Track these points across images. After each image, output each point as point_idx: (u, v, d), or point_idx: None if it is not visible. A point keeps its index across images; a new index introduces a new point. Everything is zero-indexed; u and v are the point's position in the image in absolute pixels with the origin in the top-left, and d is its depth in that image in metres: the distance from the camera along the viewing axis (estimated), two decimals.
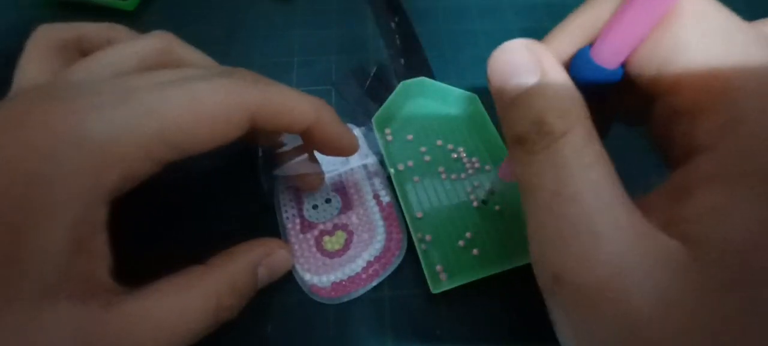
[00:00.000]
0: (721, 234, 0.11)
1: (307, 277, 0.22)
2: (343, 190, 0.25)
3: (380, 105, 0.26)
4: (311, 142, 0.21)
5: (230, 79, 0.18)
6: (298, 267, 0.22)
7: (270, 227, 0.24)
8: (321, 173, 0.24)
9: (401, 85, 0.26)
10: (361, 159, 0.26)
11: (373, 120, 0.26)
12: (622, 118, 0.19)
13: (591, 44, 0.15)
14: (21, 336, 0.14)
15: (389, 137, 0.27)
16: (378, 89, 0.29)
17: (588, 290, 0.12)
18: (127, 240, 0.17)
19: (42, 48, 0.20)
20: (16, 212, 0.14)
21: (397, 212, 0.24)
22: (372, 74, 0.29)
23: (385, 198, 0.24)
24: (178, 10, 0.34)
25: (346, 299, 0.22)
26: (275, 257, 0.21)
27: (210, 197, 0.25)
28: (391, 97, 0.26)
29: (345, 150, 0.22)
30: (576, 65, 0.15)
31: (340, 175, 0.25)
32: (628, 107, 0.18)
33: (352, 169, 0.25)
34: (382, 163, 0.26)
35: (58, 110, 0.15)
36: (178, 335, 0.16)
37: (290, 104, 0.19)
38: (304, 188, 0.24)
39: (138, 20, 0.33)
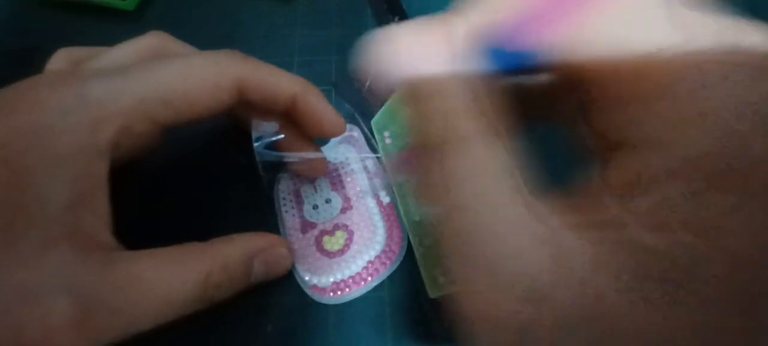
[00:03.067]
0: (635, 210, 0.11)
1: (307, 277, 0.22)
2: (343, 190, 0.25)
3: (380, 106, 0.26)
4: (297, 119, 0.22)
5: (219, 53, 0.20)
6: (298, 267, 0.22)
7: (270, 227, 0.24)
8: (324, 158, 0.24)
9: (401, 88, 0.26)
10: (361, 159, 0.26)
11: (372, 123, 0.26)
12: (540, 118, 0.17)
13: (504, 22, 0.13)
14: (20, 281, 0.15)
15: (388, 140, 0.27)
16: (378, 90, 0.29)
17: (488, 293, 0.12)
18: (127, 238, 0.18)
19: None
20: (21, 159, 0.16)
21: (397, 212, 0.24)
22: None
23: (385, 198, 0.24)
24: (178, 10, 0.34)
25: (346, 299, 0.22)
26: (273, 253, 0.21)
27: (210, 197, 0.25)
28: (389, 99, 0.26)
29: (330, 127, 0.22)
30: (489, 49, 0.13)
31: (340, 175, 0.25)
32: (545, 105, 0.16)
33: (352, 170, 0.25)
34: (382, 164, 0.26)
35: (63, 78, 0.18)
36: (167, 301, 0.17)
37: (276, 76, 0.21)
38: (308, 173, 0.25)
39: (138, 20, 0.33)
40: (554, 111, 0.15)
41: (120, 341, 0.16)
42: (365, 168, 0.26)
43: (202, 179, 0.25)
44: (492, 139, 0.12)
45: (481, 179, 0.12)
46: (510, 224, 0.11)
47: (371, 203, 0.24)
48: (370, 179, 0.25)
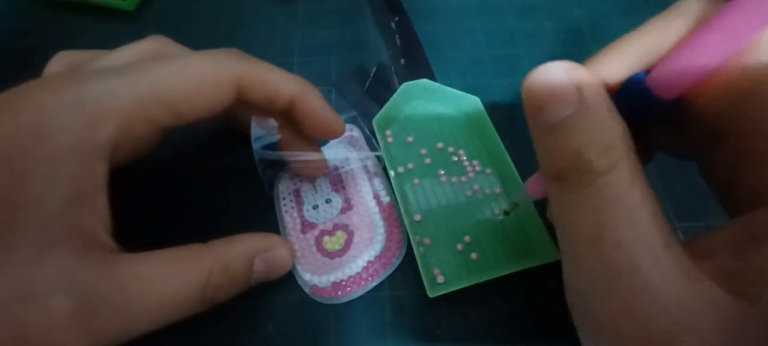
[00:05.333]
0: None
1: (308, 277, 0.22)
2: (343, 190, 0.25)
3: (381, 105, 0.26)
4: (297, 120, 0.22)
5: (219, 52, 0.20)
6: (298, 267, 0.22)
7: (270, 227, 0.24)
8: (324, 159, 0.24)
9: (402, 87, 0.26)
10: (361, 159, 0.26)
11: (373, 122, 0.26)
12: (668, 150, 0.17)
13: (647, 71, 0.13)
14: (20, 280, 0.15)
15: (390, 139, 0.27)
16: (378, 90, 0.29)
17: (636, 344, 0.11)
18: (127, 239, 0.18)
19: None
20: (20, 158, 0.16)
21: (397, 212, 0.24)
22: (372, 74, 0.29)
23: (385, 198, 0.24)
24: (178, 11, 0.34)
25: (346, 299, 0.22)
26: (274, 254, 0.21)
27: (210, 197, 0.25)
28: (392, 98, 0.26)
29: (330, 128, 0.22)
30: (627, 92, 0.14)
31: (340, 175, 0.25)
32: (678, 142, 0.16)
33: (352, 170, 0.25)
34: (382, 164, 0.26)
35: (61, 79, 0.18)
36: (167, 302, 0.17)
37: (275, 75, 0.21)
38: (308, 173, 0.25)
39: (138, 20, 0.33)
40: (691, 150, 0.15)
41: (120, 342, 0.16)
42: (365, 168, 0.26)
43: (202, 180, 0.25)
44: (633, 174, 0.12)
45: (627, 212, 0.12)
46: (653, 261, 0.11)
47: (371, 203, 0.24)
48: (370, 178, 0.25)
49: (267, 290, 0.21)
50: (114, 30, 0.32)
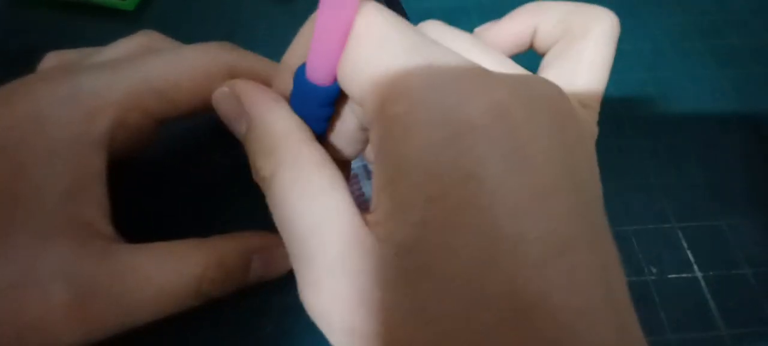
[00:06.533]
0: (392, 237, 0.12)
1: None
2: None
3: None
4: None
5: (209, 44, 0.20)
6: None
7: (270, 227, 0.23)
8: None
9: None
10: (361, 159, 0.26)
11: None
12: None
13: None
14: (18, 267, 0.15)
15: None
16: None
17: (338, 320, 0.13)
18: (126, 235, 0.18)
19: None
20: (16, 150, 0.16)
21: None
22: None
23: None
24: (178, 10, 0.34)
25: None
26: (273, 252, 0.21)
27: (209, 197, 0.25)
28: None
29: None
30: (295, 85, 0.15)
31: None
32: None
33: (352, 171, 0.25)
34: None
35: (56, 73, 0.18)
36: (164, 293, 0.17)
37: (266, 65, 0.21)
38: None
39: (138, 20, 0.33)
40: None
41: (117, 333, 0.16)
42: (365, 169, 0.26)
43: (202, 178, 0.25)
44: (299, 169, 0.14)
45: (298, 205, 0.13)
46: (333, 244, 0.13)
47: (371, 203, 0.24)
48: (370, 179, 0.25)
49: (267, 290, 0.21)
50: (114, 30, 0.32)
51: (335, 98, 0.14)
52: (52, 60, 0.21)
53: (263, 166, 0.14)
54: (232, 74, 0.20)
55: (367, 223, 0.13)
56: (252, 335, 0.21)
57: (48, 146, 0.16)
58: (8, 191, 0.15)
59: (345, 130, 0.16)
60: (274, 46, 0.31)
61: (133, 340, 0.17)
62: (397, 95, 0.11)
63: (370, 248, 0.12)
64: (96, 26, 0.32)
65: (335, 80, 0.14)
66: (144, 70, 0.18)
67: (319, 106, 0.14)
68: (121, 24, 0.32)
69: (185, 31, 0.22)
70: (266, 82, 0.21)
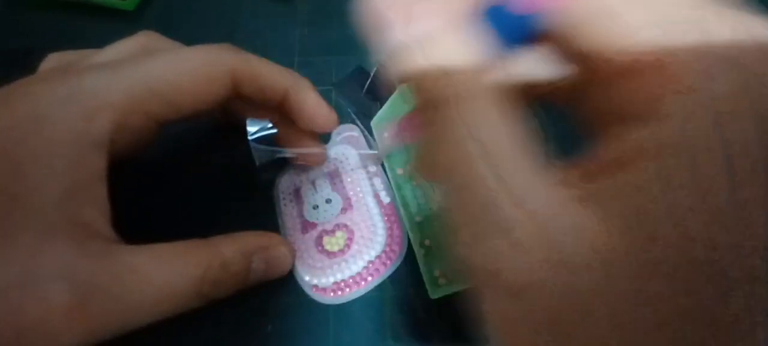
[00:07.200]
0: (635, 210, 0.10)
1: (308, 277, 0.22)
2: (343, 190, 0.25)
3: (380, 106, 0.26)
4: (291, 113, 0.22)
5: (211, 46, 0.20)
6: (298, 267, 0.22)
7: (270, 227, 0.24)
8: (322, 150, 0.24)
9: (402, 87, 0.26)
10: (361, 159, 0.26)
11: (372, 122, 0.26)
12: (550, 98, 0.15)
13: None
14: (19, 267, 0.15)
15: (387, 141, 0.27)
16: (378, 90, 0.29)
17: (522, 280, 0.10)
18: (126, 236, 0.18)
19: None
20: (17, 149, 0.16)
21: (397, 212, 0.24)
22: (372, 75, 0.29)
23: (386, 198, 0.24)
24: (178, 10, 0.33)
25: (346, 299, 0.22)
26: (274, 252, 0.21)
27: (209, 197, 0.25)
28: (391, 98, 0.26)
29: (322, 120, 0.22)
30: (490, 14, 0.13)
31: (340, 175, 0.25)
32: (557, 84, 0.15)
33: (352, 169, 0.25)
34: (381, 164, 0.26)
35: (56, 74, 0.18)
36: (164, 294, 0.17)
37: (268, 68, 0.21)
38: (308, 163, 0.25)
39: (138, 20, 0.33)
40: (555, 92, 0.15)
41: (117, 334, 0.16)
42: (365, 168, 0.25)
43: (203, 178, 0.25)
44: (489, 99, 0.11)
45: (487, 135, 0.11)
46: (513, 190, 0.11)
47: (371, 202, 0.24)
48: (370, 178, 0.25)
49: (267, 290, 0.21)
50: (114, 30, 0.32)
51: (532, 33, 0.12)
52: (52, 61, 0.21)
53: (439, 89, 0.11)
54: (235, 76, 0.20)
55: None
56: (252, 335, 0.21)
57: (48, 147, 0.16)
58: (8, 191, 0.15)
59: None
60: (274, 46, 0.32)
61: (133, 340, 0.17)
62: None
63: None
64: (96, 26, 0.32)
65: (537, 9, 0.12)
66: (144, 72, 0.18)
67: (508, 38, 0.12)
68: (121, 24, 0.32)
69: (185, 32, 0.22)
70: (267, 85, 0.21)
